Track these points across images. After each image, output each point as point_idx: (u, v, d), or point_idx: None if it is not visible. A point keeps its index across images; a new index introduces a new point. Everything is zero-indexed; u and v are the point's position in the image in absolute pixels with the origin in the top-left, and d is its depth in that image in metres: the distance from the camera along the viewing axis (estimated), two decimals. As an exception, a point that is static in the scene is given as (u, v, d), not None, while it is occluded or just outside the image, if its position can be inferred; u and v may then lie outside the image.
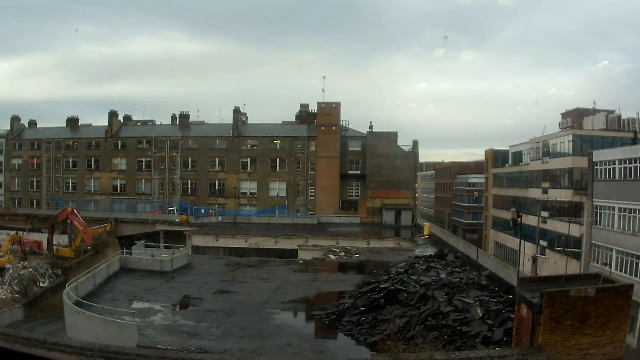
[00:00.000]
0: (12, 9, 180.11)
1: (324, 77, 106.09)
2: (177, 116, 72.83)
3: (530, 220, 43.00)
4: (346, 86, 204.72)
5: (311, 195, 64.23)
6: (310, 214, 63.01)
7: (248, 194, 65.65)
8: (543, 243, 42.58)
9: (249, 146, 66.40)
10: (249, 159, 65.79)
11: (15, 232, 39.95)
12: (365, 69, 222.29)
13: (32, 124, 77.02)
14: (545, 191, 44.82)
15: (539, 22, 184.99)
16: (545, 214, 43.04)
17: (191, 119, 73.20)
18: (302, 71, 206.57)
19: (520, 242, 33.57)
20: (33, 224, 41.20)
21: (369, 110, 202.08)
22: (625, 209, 30.50)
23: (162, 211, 63.90)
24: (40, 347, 14.73)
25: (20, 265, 32.54)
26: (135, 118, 77.43)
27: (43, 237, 41.82)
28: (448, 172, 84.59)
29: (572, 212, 38.51)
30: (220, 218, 60.39)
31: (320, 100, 64.76)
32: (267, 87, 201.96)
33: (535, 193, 46.87)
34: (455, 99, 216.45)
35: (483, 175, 67.85)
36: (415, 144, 66.43)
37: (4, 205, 71.68)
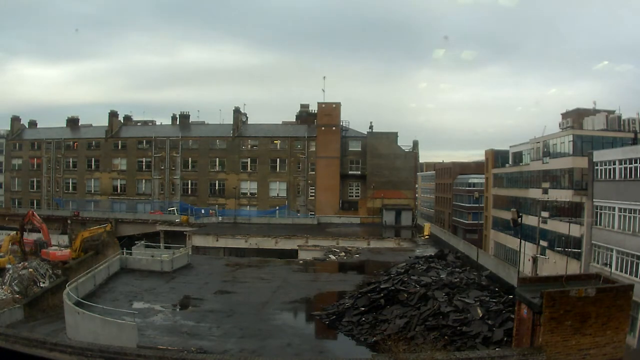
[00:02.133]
0: (73, 17, 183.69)
1: (324, 77, 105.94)
2: (177, 116, 72.85)
3: (530, 220, 42.96)
4: (366, 92, 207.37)
5: (311, 195, 64.22)
6: (310, 214, 63.00)
7: (248, 194, 65.64)
8: (543, 243, 42.54)
9: (249, 146, 66.40)
10: (249, 159, 65.79)
11: (15, 232, 39.88)
12: (394, 78, 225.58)
13: (32, 124, 77.02)
14: (545, 191, 44.80)
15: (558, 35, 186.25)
16: (545, 214, 43.01)
17: (191, 119, 73.24)
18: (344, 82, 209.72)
19: (520, 242, 33.57)
20: (33, 225, 41.07)
21: (392, 114, 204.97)
22: (625, 209, 30.48)
23: (162, 211, 63.90)
24: (40, 347, 14.74)
25: (20, 265, 32.47)
26: (135, 118, 77.62)
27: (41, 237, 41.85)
28: (448, 172, 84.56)
29: (572, 212, 38.47)
30: (220, 218, 60.37)
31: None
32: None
33: (535, 193, 46.85)
34: (466, 104, 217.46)
35: (483, 175, 67.80)
36: (415, 144, 66.47)
37: (4, 205, 71.66)
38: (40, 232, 41.05)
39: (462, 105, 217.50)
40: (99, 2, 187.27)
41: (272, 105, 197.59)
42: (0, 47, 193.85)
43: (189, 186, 67.20)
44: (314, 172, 63.97)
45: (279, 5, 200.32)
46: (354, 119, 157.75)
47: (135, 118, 77.42)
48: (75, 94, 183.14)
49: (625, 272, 28.93)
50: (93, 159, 70.26)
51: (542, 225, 42.48)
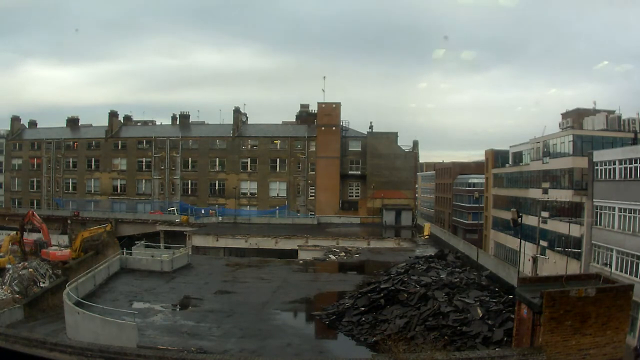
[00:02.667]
0: (86, 20, 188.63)
1: (324, 77, 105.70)
2: (177, 116, 72.82)
3: (530, 220, 42.97)
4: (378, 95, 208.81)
5: (311, 195, 64.22)
6: (310, 214, 63.00)
7: (248, 194, 65.64)
8: (543, 243, 42.55)
9: (249, 146, 66.40)
10: (249, 159, 65.78)
11: (15, 232, 39.88)
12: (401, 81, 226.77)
13: (32, 124, 76.99)
14: (545, 191, 44.80)
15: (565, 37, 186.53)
16: (545, 214, 43.01)
17: (191, 119, 73.22)
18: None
19: (520, 242, 33.58)
20: (33, 225, 41.08)
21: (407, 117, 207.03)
22: (625, 209, 30.47)
23: (162, 211, 63.88)
24: (40, 347, 14.74)
25: (20, 265, 32.48)
26: (135, 118, 77.59)
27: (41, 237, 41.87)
28: (448, 172, 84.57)
29: (572, 212, 38.47)
30: (220, 218, 60.37)
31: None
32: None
33: (535, 193, 46.85)
34: (468, 105, 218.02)
35: (483, 175, 67.80)
36: (415, 144, 66.45)
37: (4, 205, 71.65)
38: (40, 232, 41.05)
39: (464, 107, 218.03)
40: (110, 5, 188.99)
41: (274, 107, 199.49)
42: (14, 48, 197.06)
43: (189, 186, 67.19)
44: (314, 172, 63.96)
45: (284, 9, 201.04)
46: (356, 119, 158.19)
47: (135, 118, 77.52)
48: (87, 95, 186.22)
49: (625, 272, 28.93)
50: (93, 159, 70.24)
51: (542, 225, 42.48)
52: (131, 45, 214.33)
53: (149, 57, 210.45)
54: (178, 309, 24.17)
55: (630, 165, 30.34)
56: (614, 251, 30.86)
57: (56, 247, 39.10)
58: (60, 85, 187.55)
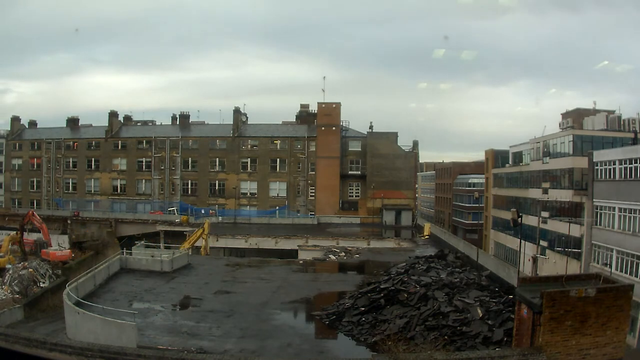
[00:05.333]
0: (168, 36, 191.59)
1: (324, 77, 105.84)
2: (177, 116, 72.81)
3: (530, 220, 42.97)
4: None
5: (311, 195, 64.22)
6: (310, 214, 62.99)
7: (248, 194, 65.64)
8: (543, 243, 42.55)
9: (249, 146, 66.41)
10: (249, 159, 65.79)
11: (15, 232, 39.91)
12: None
13: (32, 124, 76.95)
14: (545, 191, 44.80)
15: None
16: (545, 214, 43.00)
17: (191, 119, 73.21)
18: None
19: (520, 242, 33.55)
20: (33, 225, 41.11)
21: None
22: (625, 209, 30.49)
23: (162, 211, 63.89)
24: (40, 347, 14.73)
25: (20, 265, 32.53)
26: (135, 118, 77.54)
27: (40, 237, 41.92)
28: (448, 172, 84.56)
29: (572, 212, 38.48)
30: (220, 218, 60.35)
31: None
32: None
33: (535, 193, 46.84)
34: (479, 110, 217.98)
35: (483, 175, 67.79)
36: (415, 144, 66.51)
37: (4, 205, 71.63)
38: (40, 232, 41.07)
39: (477, 113, 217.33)
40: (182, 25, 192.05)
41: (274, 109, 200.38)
42: (88, 58, 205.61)
43: (189, 186, 67.19)
44: (314, 172, 63.97)
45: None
46: (354, 120, 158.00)
47: (135, 118, 77.50)
48: (151, 100, 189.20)
49: (625, 272, 28.96)
50: (93, 159, 70.21)
51: (542, 225, 42.48)
52: (199, 57, 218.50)
53: (209, 67, 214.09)
54: (178, 309, 24.15)
55: (630, 165, 30.36)
56: (614, 251, 30.88)
57: (56, 247, 39.15)
58: (122, 90, 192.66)
